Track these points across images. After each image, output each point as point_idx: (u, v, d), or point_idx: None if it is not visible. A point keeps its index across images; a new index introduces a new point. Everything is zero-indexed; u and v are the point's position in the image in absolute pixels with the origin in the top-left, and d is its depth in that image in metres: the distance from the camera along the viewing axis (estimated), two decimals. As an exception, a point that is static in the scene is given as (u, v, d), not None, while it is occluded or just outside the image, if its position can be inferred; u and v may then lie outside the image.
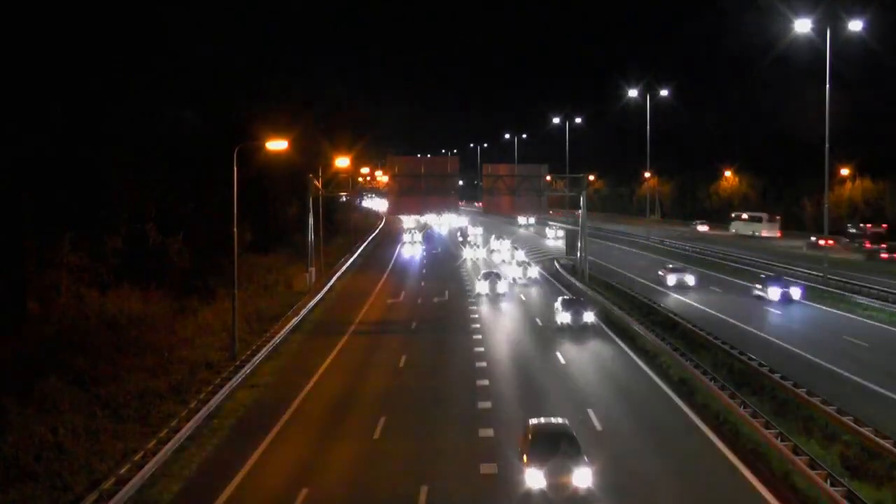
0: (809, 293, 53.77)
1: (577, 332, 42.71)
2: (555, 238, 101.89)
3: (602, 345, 40.06)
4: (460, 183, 69.77)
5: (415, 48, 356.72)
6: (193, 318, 43.55)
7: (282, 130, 49.59)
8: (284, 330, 42.44)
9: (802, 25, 58.19)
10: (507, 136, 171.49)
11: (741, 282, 61.07)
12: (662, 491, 21.64)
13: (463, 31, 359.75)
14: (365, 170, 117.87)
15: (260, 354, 36.67)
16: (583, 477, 20.68)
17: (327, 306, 53.83)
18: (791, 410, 27.37)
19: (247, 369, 33.96)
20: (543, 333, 43.32)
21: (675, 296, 55.26)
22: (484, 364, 36.27)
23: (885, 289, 52.02)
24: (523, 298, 55.72)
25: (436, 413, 29.08)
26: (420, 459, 24.27)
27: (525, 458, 21.57)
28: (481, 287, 56.62)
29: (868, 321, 45.94)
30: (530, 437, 22.11)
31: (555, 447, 21.25)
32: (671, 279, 59.95)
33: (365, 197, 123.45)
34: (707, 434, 26.00)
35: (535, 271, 66.47)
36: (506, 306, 52.68)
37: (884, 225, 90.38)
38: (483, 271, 61.70)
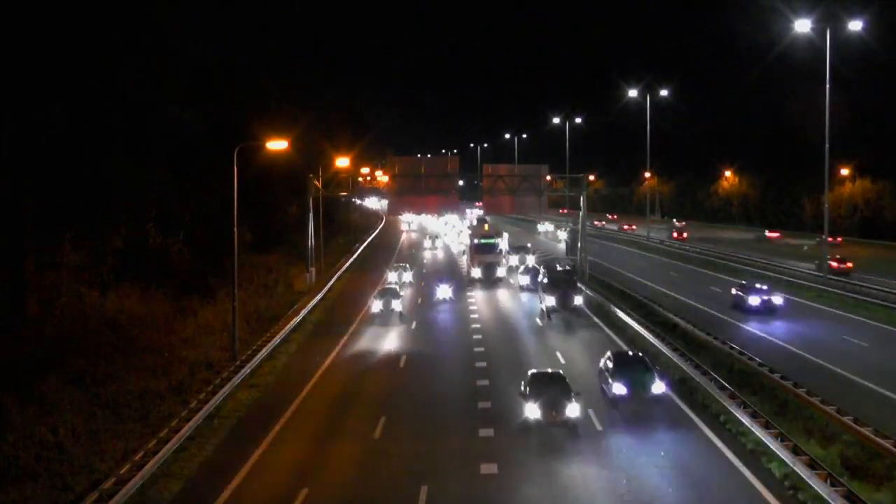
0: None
1: (570, 338, 42.75)
2: None
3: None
4: (460, 183, 69.71)
5: (415, 48, 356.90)
6: (193, 318, 43.53)
7: (282, 130, 49.57)
8: (285, 330, 42.41)
9: (802, 26, 58.18)
10: (507, 136, 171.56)
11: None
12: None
13: (463, 31, 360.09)
14: (365, 170, 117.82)
15: (260, 354, 36.65)
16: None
17: (327, 306, 53.83)
18: (792, 410, 27.39)
19: (247, 369, 33.94)
20: (541, 331, 43.36)
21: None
22: (484, 364, 36.26)
23: (886, 289, 52.07)
24: (524, 300, 55.74)
25: (436, 413, 29.09)
26: (420, 459, 24.27)
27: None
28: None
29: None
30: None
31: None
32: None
33: (364, 197, 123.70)
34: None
35: None
36: (505, 307, 52.75)
37: None
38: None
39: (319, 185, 66.76)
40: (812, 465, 21.57)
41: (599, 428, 26.51)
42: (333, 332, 44.55)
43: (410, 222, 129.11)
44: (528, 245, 78.65)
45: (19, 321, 37.04)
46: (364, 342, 42.20)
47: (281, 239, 75.65)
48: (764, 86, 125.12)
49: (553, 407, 25.77)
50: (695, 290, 57.38)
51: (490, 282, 61.86)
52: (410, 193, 63.19)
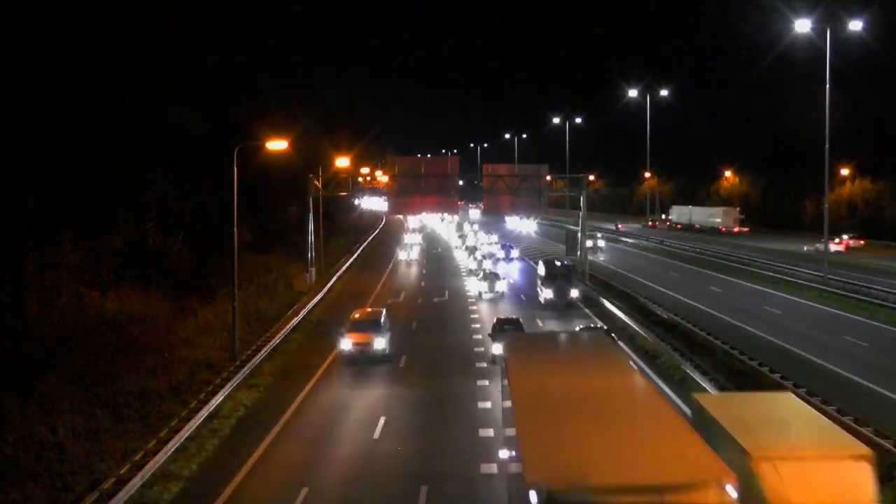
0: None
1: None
2: None
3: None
4: (460, 183, 69.61)
5: (415, 48, 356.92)
6: (193, 318, 43.51)
7: (282, 130, 49.54)
8: (285, 330, 42.41)
9: (802, 25, 58.18)
10: (507, 136, 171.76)
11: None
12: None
13: (463, 31, 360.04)
14: (365, 170, 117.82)
15: (260, 354, 36.66)
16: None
17: (328, 306, 53.79)
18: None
19: (247, 369, 33.95)
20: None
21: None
22: (483, 364, 36.25)
23: (886, 289, 52.05)
24: (523, 298, 55.71)
25: (436, 413, 29.09)
26: (420, 459, 24.27)
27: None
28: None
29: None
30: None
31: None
32: None
33: (364, 197, 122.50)
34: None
35: None
36: (504, 308, 52.70)
37: None
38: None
39: (319, 185, 66.75)
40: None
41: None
42: (334, 332, 44.45)
43: (410, 261, 79.35)
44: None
45: (19, 321, 37.02)
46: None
47: (281, 239, 75.59)
48: (764, 86, 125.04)
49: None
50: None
51: None
52: (410, 194, 63.00)
